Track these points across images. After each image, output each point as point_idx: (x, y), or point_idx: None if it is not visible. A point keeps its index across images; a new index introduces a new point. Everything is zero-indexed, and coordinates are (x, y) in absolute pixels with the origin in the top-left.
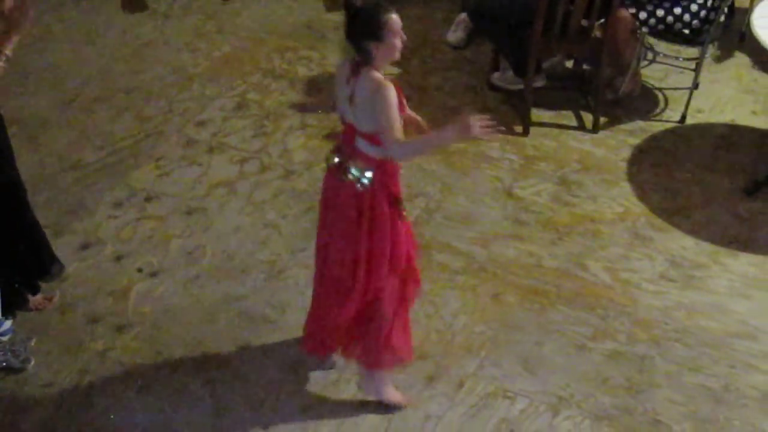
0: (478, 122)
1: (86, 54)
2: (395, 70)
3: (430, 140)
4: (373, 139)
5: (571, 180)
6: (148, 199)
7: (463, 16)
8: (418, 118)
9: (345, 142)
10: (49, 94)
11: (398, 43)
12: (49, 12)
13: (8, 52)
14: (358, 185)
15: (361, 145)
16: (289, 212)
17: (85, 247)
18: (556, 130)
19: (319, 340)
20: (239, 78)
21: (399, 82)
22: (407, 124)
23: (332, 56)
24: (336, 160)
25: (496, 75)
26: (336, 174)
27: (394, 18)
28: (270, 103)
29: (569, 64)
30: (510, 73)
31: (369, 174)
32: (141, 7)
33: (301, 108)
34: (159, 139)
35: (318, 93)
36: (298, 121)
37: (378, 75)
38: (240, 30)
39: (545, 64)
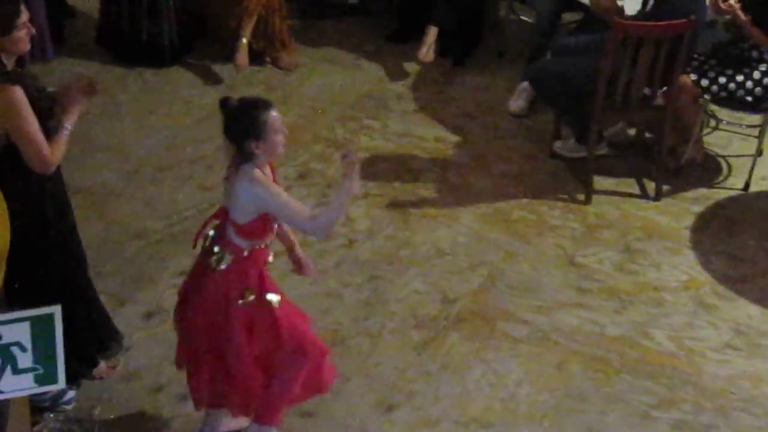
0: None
1: (151, 125)
2: (456, 138)
3: (340, 200)
4: (241, 230)
5: (634, 248)
6: None
7: (525, 84)
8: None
9: (219, 221)
10: (114, 165)
11: (280, 139)
12: (114, 85)
13: (68, 124)
14: (215, 267)
15: (230, 231)
16: (352, 281)
17: (148, 316)
18: (618, 198)
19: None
20: (302, 147)
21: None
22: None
23: (394, 125)
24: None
25: (558, 143)
26: (204, 255)
27: (274, 115)
28: (332, 172)
29: (631, 132)
30: (572, 141)
31: (226, 261)
32: (216, 80)
33: (364, 177)
34: None
35: (382, 161)
36: (360, 191)
37: (254, 173)
38: (303, 100)
39: (607, 132)
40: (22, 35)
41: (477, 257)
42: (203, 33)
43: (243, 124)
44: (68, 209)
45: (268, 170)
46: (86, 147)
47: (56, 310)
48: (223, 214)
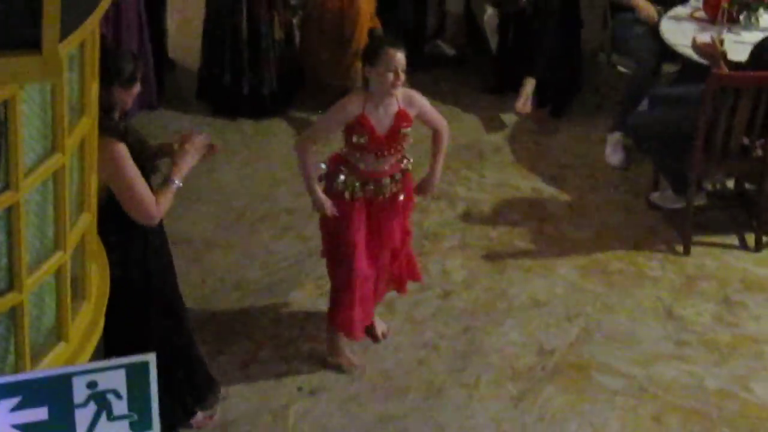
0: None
1: (249, 176)
2: (553, 189)
3: (307, 175)
4: None
5: (733, 300)
6: (306, 319)
7: (617, 135)
8: None
9: None
10: (213, 215)
11: (389, 75)
12: (214, 137)
13: (177, 179)
14: None
15: None
16: (447, 332)
17: (245, 365)
18: (717, 249)
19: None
20: None
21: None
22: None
23: (491, 176)
24: None
25: (655, 194)
26: None
27: (392, 52)
28: (428, 223)
29: (730, 183)
30: (669, 192)
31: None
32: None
33: (461, 228)
34: (320, 259)
35: (478, 212)
36: (457, 241)
37: (350, 96)
38: None
39: (706, 183)
40: (137, 90)
41: (574, 308)
42: (302, 82)
43: (366, 50)
44: (170, 265)
45: (390, 107)
46: (185, 198)
47: (151, 358)
48: None
